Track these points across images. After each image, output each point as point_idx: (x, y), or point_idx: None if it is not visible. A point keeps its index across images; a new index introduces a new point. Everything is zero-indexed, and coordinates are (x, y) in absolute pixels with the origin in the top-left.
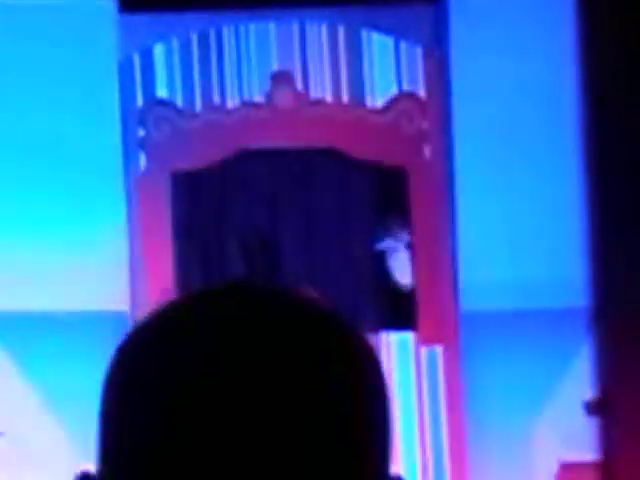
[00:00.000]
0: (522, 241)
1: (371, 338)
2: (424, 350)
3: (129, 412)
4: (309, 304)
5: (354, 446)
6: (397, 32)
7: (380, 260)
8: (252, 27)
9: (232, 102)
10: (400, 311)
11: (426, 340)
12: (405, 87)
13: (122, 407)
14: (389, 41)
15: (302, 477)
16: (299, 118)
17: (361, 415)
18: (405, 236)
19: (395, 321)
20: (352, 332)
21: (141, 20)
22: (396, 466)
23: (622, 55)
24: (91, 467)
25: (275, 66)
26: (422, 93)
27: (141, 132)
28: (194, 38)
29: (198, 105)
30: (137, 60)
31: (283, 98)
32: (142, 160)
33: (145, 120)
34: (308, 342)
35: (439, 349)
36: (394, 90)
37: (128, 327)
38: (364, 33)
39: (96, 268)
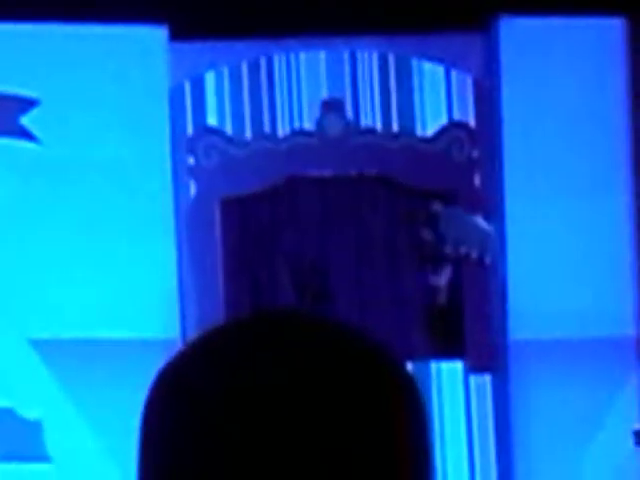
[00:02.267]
0: (571, 269)
1: (421, 367)
2: (473, 379)
3: (166, 438)
4: (353, 336)
5: (393, 476)
6: (447, 61)
7: (430, 289)
8: (303, 55)
9: (282, 130)
10: (449, 340)
11: (475, 368)
12: (455, 116)
13: (159, 434)
14: (439, 70)
15: None
16: (349, 146)
17: (399, 444)
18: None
19: (445, 350)
20: (391, 360)
21: (192, 48)
22: None
23: None
24: None
25: (325, 94)
26: (472, 122)
27: (191, 160)
28: (244, 66)
29: (248, 133)
30: (188, 88)
31: (333, 126)
32: (192, 188)
33: (195, 148)
34: (347, 375)
35: (488, 377)
36: (444, 119)
37: None
38: (414, 62)
39: (147, 296)
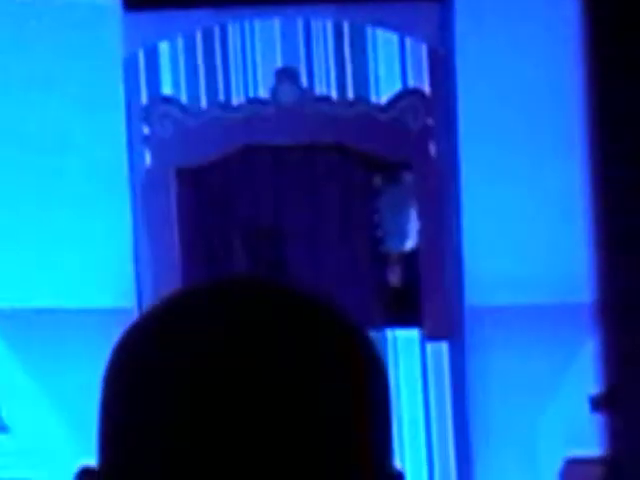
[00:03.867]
0: (527, 236)
1: (377, 335)
2: (430, 346)
3: (127, 408)
4: (311, 300)
5: (355, 442)
6: (402, 29)
7: (384, 257)
8: (257, 24)
9: (237, 99)
10: (406, 308)
11: (431, 336)
12: (410, 84)
13: (120, 403)
14: (394, 38)
15: (302, 475)
16: (304, 114)
17: (362, 412)
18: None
19: (401, 318)
20: (354, 328)
21: (146, 18)
22: (401, 462)
23: (625, 53)
24: (92, 462)
25: (280, 63)
26: (427, 90)
27: (146, 129)
28: (199, 35)
29: (203, 102)
30: (142, 57)
31: (288, 95)
32: (147, 157)
33: (150, 117)
34: (308, 339)
35: (444, 345)
36: (399, 86)
37: None
38: (369, 30)
39: (102, 265)
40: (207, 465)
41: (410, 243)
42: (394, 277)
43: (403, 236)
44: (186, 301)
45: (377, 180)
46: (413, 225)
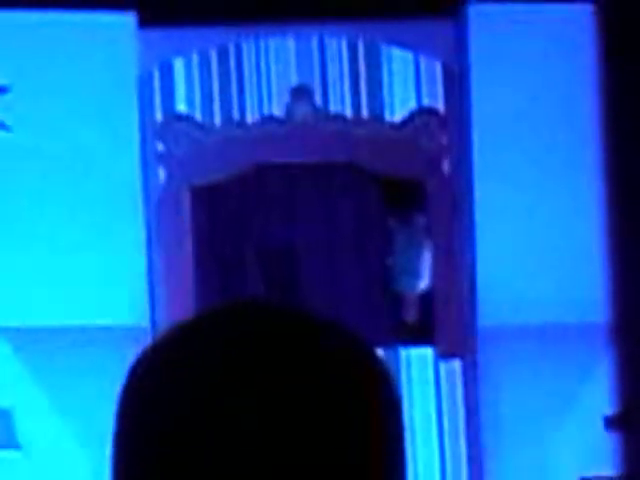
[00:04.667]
0: (541, 256)
1: (390, 354)
2: (443, 365)
3: (140, 433)
4: (322, 324)
5: (368, 464)
6: (416, 47)
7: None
8: (271, 42)
9: (251, 117)
10: (420, 327)
11: (444, 355)
12: (424, 102)
13: (134, 428)
14: (408, 56)
15: None
16: (318, 133)
17: (374, 432)
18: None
19: (415, 337)
20: (364, 350)
21: (161, 35)
22: None
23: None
24: None
25: (294, 81)
26: (441, 108)
27: (160, 147)
28: (213, 53)
29: (217, 120)
30: (156, 75)
31: (302, 113)
32: (161, 175)
33: (164, 135)
34: (319, 363)
35: (457, 364)
36: (413, 105)
37: (147, 343)
38: (383, 48)
39: (115, 283)
40: None
41: (423, 283)
42: (409, 315)
43: (416, 276)
44: (204, 325)
45: (391, 222)
46: (426, 265)
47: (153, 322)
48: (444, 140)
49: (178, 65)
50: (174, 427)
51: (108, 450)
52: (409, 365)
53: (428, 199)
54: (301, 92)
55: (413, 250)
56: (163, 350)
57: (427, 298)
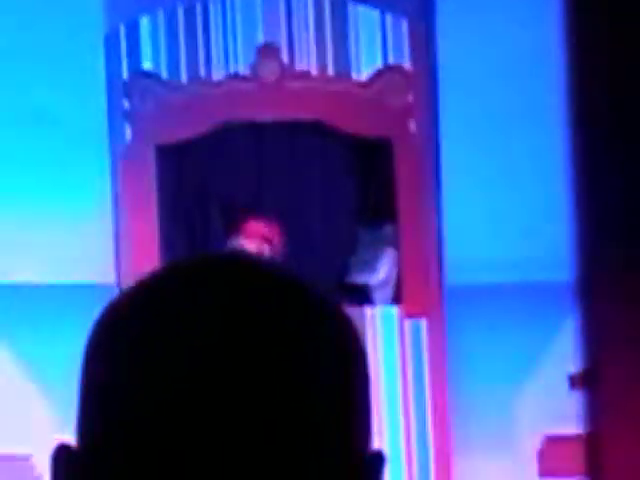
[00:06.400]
0: (506, 215)
1: (356, 311)
2: (408, 323)
3: (107, 386)
4: (288, 277)
5: (334, 421)
6: (383, 5)
7: (365, 233)
8: (238, 0)
9: (217, 74)
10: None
11: (410, 313)
12: (390, 60)
13: (101, 381)
14: (375, 14)
15: (282, 453)
16: (284, 90)
17: (341, 389)
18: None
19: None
20: (330, 305)
21: None
22: (380, 438)
23: (608, 27)
24: (71, 439)
25: (261, 39)
26: (408, 66)
27: (126, 104)
28: (180, 11)
29: (184, 77)
30: (123, 32)
31: (268, 70)
32: (127, 132)
33: (130, 92)
34: (286, 317)
35: (423, 322)
36: (379, 63)
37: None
38: (350, 6)
39: (81, 240)
40: (189, 444)
41: (375, 279)
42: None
43: (372, 272)
44: (167, 279)
45: (360, 231)
46: (384, 264)
47: (119, 280)
48: (410, 98)
49: (144, 23)
50: (144, 381)
51: (74, 406)
52: (374, 323)
53: (394, 157)
54: (267, 50)
55: (374, 253)
56: (128, 305)
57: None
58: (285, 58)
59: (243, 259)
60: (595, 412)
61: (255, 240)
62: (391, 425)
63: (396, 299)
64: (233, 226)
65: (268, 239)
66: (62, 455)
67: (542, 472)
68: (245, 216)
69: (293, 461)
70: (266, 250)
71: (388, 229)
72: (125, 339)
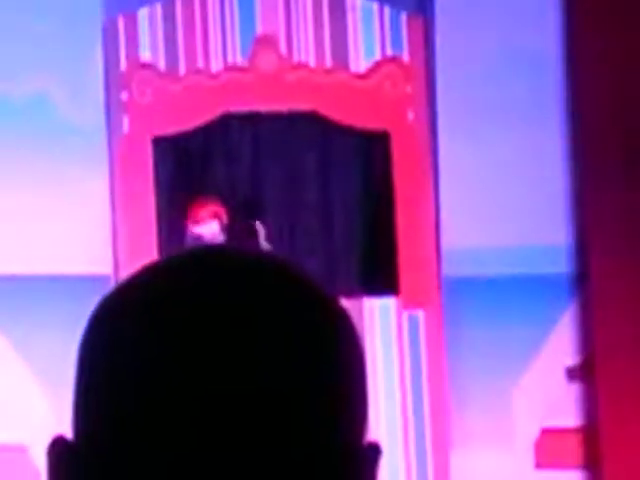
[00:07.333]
0: (504, 207)
1: (354, 303)
2: (406, 315)
3: (104, 379)
4: (284, 270)
5: (329, 413)
6: None
7: (362, 224)
8: None
9: (215, 65)
10: (383, 277)
11: (408, 305)
12: (389, 51)
13: (97, 374)
14: (373, 5)
15: (276, 444)
16: (282, 82)
17: (337, 382)
18: None
19: (378, 287)
20: (326, 298)
21: None
22: (377, 429)
23: (608, 24)
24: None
25: (259, 30)
26: (406, 57)
27: (124, 95)
28: (178, 1)
29: (182, 68)
30: (121, 23)
31: (266, 62)
32: (125, 123)
33: (128, 83)
34: (280, 310)
35: (421, 314)
36: (377, 54)
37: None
38: None
39: (79, 231)
40: (184, 435)
41: None
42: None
43: None
44: (166, 270)
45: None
46: None
47: (116, 270)
48: (408, 90)
49: (142, 14)
50: (140, 374)
51: (70, 397)
52: (372, 315)
53: (392, 148)
54: (265, 41)
55: None
56: (125, 296)
57: (392, 249)
58: (283, 49)
59: (238, 253)
60: (592, 404)
61: (204, 222)
62: (388, 417)
63: (394, 291)
64: (184, 214)
65: (216, 217)
66: (58, 447)
67: (539, 464)
68: (189, 202)
69: (283, 452)
70: (217, 229)
71: None
72: (120, 333)
